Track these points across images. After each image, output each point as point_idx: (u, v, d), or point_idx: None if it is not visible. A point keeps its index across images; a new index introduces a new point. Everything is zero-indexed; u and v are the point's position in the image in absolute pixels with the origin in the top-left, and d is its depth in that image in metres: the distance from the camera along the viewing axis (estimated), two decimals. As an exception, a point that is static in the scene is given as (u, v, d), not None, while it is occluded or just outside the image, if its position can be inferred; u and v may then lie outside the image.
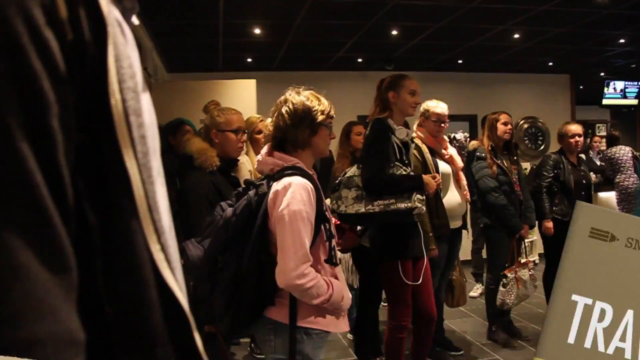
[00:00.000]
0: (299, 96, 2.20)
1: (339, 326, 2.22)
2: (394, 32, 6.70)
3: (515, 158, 4.78)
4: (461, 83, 9.12)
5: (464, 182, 4.21)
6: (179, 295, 0.54)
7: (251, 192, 2.13)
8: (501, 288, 4.44)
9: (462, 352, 4.51)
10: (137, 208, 0.52)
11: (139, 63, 0.55)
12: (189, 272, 2.16)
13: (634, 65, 9.72)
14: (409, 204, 3.06)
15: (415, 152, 3.77)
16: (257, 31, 6.44)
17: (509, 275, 4.43)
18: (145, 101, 0.55)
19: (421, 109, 3.99)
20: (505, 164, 4.58)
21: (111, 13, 0.51)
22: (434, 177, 3.28)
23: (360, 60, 8.20)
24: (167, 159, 3.90)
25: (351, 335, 4.73)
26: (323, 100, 2.23)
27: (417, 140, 3.85)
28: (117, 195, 0.51)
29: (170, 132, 4.38)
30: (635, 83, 10.46)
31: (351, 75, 8.69)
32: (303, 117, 2.17)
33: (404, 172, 3.16)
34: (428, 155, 3.89)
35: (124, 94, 0.51)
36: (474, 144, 4.82)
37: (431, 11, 5.94)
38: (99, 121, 0.50)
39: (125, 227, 0.51)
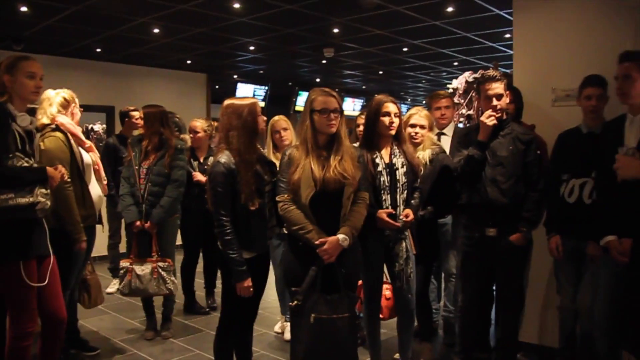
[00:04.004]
0: None
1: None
2: (24, 9, 6.08)
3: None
4: (99, 72, 8.84)
5: (103, 174, 4.11)
6: None
7: None
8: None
9: (99, 350, 4.37)
10: None
11: None
12: None
13: (261, 71, 10.78)
14: (31, 199, 2.82)
15: (63, 140, 3.61)
16: None
17: (122, 264, 4.57)
18: None
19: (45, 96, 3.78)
20: (141, 157, 4.59)
21: None
22: (55, 169, 3.07)
23: (-19, 36, 7.23)
24: None
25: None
26: None
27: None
28: None
29: None
30: (263, 87, 11.66)
31: (-31, 52, 7.63)
32: None
33: (27, 164, 2.88)
34: (76, 147, 3.74)
35: None
36: None
37: (67, -8, 5.60)
38: None
39: None
